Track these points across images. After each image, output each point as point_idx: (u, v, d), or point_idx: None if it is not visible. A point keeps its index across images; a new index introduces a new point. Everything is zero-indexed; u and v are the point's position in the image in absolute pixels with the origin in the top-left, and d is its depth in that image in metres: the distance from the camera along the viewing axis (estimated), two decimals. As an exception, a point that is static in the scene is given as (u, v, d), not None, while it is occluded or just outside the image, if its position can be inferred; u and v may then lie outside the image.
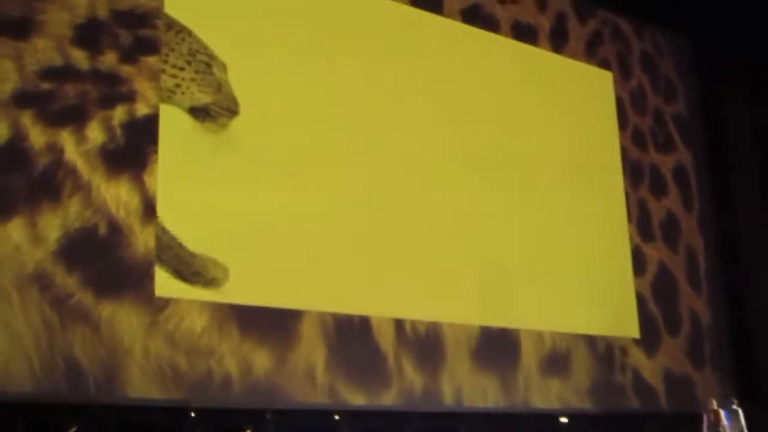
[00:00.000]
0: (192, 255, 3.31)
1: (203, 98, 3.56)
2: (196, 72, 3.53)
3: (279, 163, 3.79)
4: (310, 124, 3.74)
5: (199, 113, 3.51)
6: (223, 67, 3.68)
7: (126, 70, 2.96)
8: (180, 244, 3.30)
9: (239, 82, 3.58)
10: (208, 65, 3.58)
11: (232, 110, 3.69)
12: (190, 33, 3.44)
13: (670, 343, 4.33)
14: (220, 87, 3.69)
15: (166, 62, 3.26)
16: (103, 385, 2.70)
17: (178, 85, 3.39)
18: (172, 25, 3.33)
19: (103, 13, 2.97)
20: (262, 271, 3.18)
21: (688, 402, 4.35)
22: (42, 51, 2.81)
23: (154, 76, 3.04)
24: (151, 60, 3.05)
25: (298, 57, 3.54)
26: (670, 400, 4.27)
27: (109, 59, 2.93)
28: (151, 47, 3.06)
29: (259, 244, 3.25)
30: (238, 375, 3.00)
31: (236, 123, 3.57)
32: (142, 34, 3.04)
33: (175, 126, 3.14)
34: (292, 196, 3.77)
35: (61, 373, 2.64)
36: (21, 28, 2.79)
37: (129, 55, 2.97)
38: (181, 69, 3.44)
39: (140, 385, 2.78)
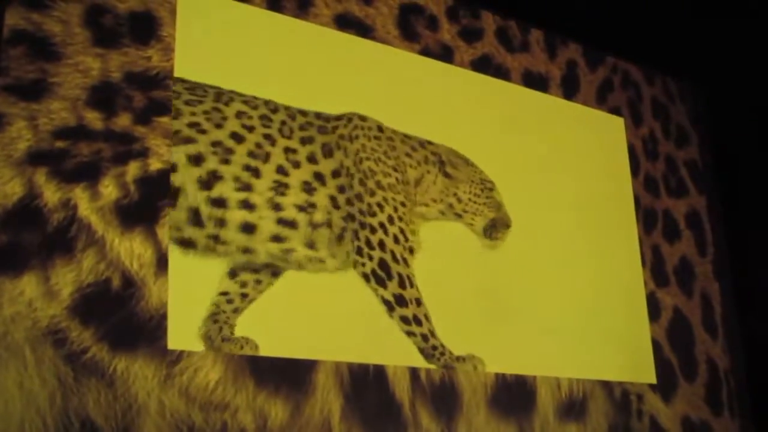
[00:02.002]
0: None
1: (491, 215, 3.82)
2: (487, 198, 3.80)
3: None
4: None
5: (487, 231, 3.80)
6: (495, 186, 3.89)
7: (139, 130, 2.98)
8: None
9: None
10: (491, 189, 3.84)
11: (509, 224, 3.87)
12: (473, 164, 3.81)
13: (686, 389, 4.30)
14: (500, 206, 3.85)
15: (464, 191, 3.72)
16: (118, 443, 2.69)
17: (476, 212, 3.76)
18: (470, 162, 3.79)
19: (116, 75, 3.00)
20: (276, 322, 3.19)
21: (707, 448, 4.33)
22: (56, 112, 2.84)
23: (167, 133, 3.05)
24: (164, 120, 3.07)
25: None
26: (688, 446, 4.25)
27: (122, 120, 2.96)
28: (163, 108, 3.08)
29: (272, 294, 3.26)
30: (254, 428, 2.99)
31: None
32: (155, 96, 3.07)
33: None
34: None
35: (75, 430, 2.64)
36: (35, 90, 2.83)
37: (142, 117, 3.00)
38: (477, 196, 3.77)
39: (155, 441, 2.78)
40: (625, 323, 4.21)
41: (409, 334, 3.42)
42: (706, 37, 4.60)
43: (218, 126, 3.16)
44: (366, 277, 3.36)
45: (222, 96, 3.21)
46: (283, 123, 3.30)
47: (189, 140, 3.09)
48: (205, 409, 2.89)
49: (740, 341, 4.63)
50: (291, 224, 3.20)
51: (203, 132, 3.13)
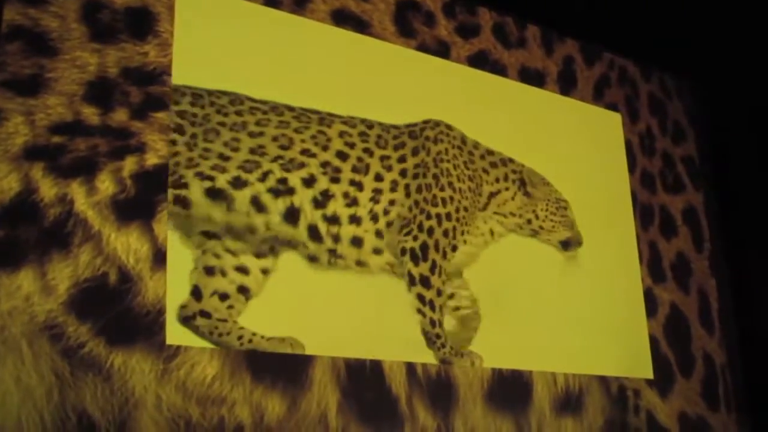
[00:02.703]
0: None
1: (566, 234, 4.02)
2: (562, 216, 4.00)
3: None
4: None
5: (563, 245, 4.03)
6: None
7: (136, 125, 2.99)
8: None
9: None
10: (566, 208, 4.04)
11: (581, 242, 4.07)
12: (549, 183, 4.02)
13: (683, 385, 4.31)
14: (573, 224, 4.06)
15: (541, 209, 3.95)
16: (115, 437, 2.70)
17: (552, 229, 3.99)
18: (547, 181, 4.00)
19: (113, 70, 3.01)
20: (273, 316, 3.19)
21: (704, 443, 4.33)
22: (53, 107, 2.85)
23: (163, 128, 3.06)
24: (160, 115, 3.07)
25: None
26: (685, 441, 4.25)
27: (119, 115, 2.96)
28: (160, 104, 3.09)
29: (270, 289, 3.26)
30: (251, 422, 3.00)
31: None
32: (152, 92, 3.07)
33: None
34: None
35: (72, 426, 2.64)
36: (32, 85, 2.83)
37: (139, 112, 3.01)
38: (553, 214, 3.98)
39: (152, 436, 2.79)
40: (622, 319, 4.22)
41: (420, 312, 3.46)
42: (703, 33, 4.60)
43: (325, 148, 3.36)
44: (403, 251, 3.45)
45: (324, 120, 3.41)
46: (379, 136, 3.53)
47: (302, 165, 3.29)
48: (202, 404, 2.90)
49: (737, 337, 4.63)
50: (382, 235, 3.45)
51: (313, 156, 3.32)
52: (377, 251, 3.42)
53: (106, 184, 2.89)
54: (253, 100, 3.31)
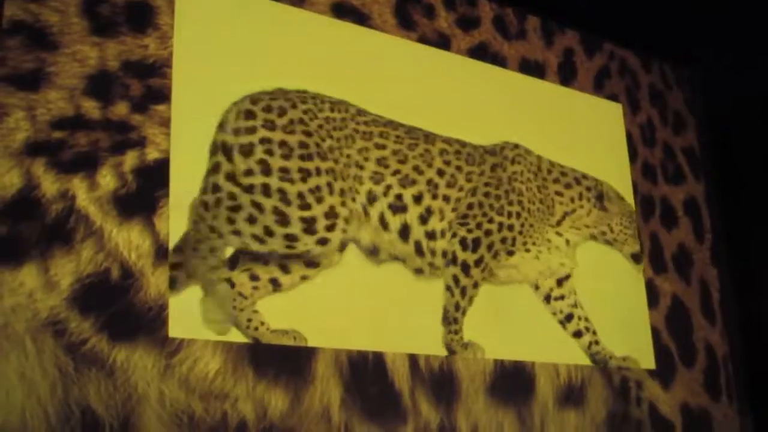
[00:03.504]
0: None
1: (636, 247, 4.26)
2: (629, 229, 4.20)
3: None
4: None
5: (634, 258, 4.23)
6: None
7: (137, 118, 2.98)
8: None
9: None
10: (632, 221, 4.26)
11: (641, 258, 4.27)
12: (623, 198, 4.25)
13: (685, 375, 4.30)
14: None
15: (616, 223, 4.16)
16: None
17: (624, 242, 4.21)
18: (621, 196, 4.23)
19: (113, 64, 3.00)
20: (274, 310, 3.20)
21: (705, 433, 4.33)
22: (53, 101, 2.84)
23: (164, 122, 3.05)
24: (161, 108, 3.06)
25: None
26: (686, 431, 4.25)
27: (120, 109, 2.96)
28: (160, 97, 3.08)
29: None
30: (254, 417, 3.00)
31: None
32: (153, 85, 3.06)
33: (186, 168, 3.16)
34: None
35: (76, 421, 2.64)
36: (32, 80, 2.82)
37: (139, 105, 3.00)
38: (627, 228, 4.19)
39: (156, 430, 2.78)
40: (624, 310, 4.21)
41: (449, 290, 3.55)
42: (703, 23, 4.60)
43: (429, 165, 3.57)
44: (454, 235, 3.59)
45: (428, 137, 3.62)
46: (469, 154, 3.74)
47: (413, 182, 3.50)
48: (205, 399, 2.89)
49: (738, 327, 4.63)
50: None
51: (421, 173, 3.54)
52: (447, 257, 3.59)
53: (107, 179, 2.88)
54: (369, 113, 3.49)
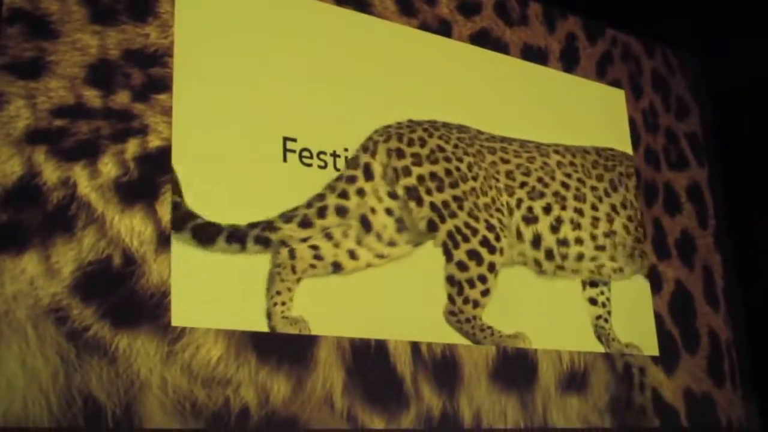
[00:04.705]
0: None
1: None
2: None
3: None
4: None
5: None
6: None
7: (138, 107, 2.98)
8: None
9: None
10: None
11: None
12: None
13: (688, 361, 4.29)
14: None
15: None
16: (122, 420, 2.70)
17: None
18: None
19: (114, 53, 3.00)
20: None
21: (709, 420, 4.31)
22: (54, 90, 2.84)
23: (165, 110, 3.05)
24: (162, 97, 3.07)
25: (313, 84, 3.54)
26: (690, 418, 4.24)
27: (121, 98, 2.96)
28: (161, 86, 3.08)
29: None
30: (256, 403, 3.00)
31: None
32: (154, 73, 3.07)
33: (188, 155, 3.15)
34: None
35: (78, 408, 2.64)
36: (33, 68, 2.83)
37: (140, 94, 3.00)
38: None
39: (158, 418, 2.78)
40: (627, 296, 4.20)
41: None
42: (706, 9, 4.57)
43: (552, 178, 3.93)
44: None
45: (540, 148, 3.96)
46: (582, 165, 4.08)
47: (541, 194, 3.86)
48: (208, 385, 2.90)
49: (742, 313, 4.62)
50: (602, 248, 4.02)
51: (546, 185, 3.90)
52: (593, 259, 3.99)
53: (108, 167, 2.88)
54: (484, 132, 3.79)
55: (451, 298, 3.51)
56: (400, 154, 3.50)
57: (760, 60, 4.62)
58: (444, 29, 3.88)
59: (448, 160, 3.59)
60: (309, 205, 3.28)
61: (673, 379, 4.19)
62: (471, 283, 3.53)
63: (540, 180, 3.88)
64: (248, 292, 3.12)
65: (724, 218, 4.72)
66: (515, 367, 3.66)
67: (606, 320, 3.98)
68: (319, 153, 3.38)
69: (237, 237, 3.10)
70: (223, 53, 3.25)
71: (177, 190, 3.02)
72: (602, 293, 3.99)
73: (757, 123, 4.76)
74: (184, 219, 3.02)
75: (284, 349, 3.09)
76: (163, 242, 2.92)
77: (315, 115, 3.41)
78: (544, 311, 3.80)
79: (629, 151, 4.42)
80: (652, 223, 4.37)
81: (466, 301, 3.51)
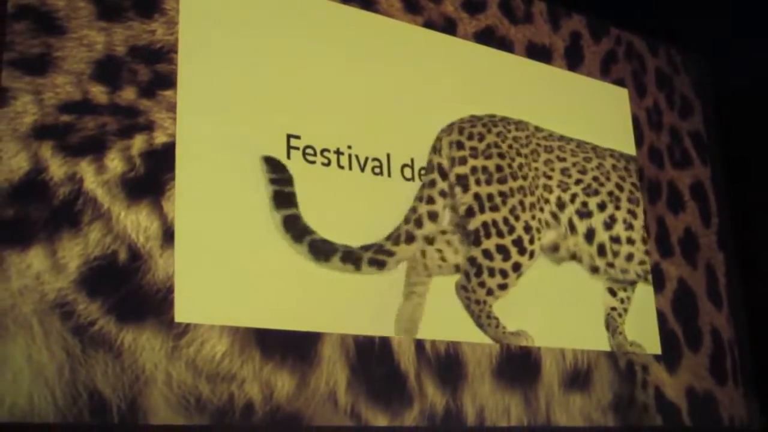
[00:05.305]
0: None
1: None
2: None
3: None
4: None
5: None
6: None
7: (144, 103, 2.99)
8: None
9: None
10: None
11: None
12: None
13: (691, 360, 4.29)
14: None
15: None
16: (127, 414, 2.71)
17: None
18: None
19: (120, 49, 3.01)
20: (281, 295, 3.22)
21: (712, 418, 4.32)
22: (61, 86, 2.85)
23: (171, 106, 3.06)
24: (168, 93, 3.07)
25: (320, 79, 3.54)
26: (693, 416, 4.24)
27: (127, 94, 2.97)
28: (167, 82, 3.09)
29: (278, 269, 3.28)
30: (260, 399, 3.01)
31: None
32: (160, 70, 3.07)
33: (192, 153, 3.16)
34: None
35: (83, 403, 2.65)
36: (39, 64, 2.84)
37: (147, 90, 3.01)
38: None
39: (163, 413, 2.79)
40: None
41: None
42: (710, 8, 4.58)
43: (607, 179, 4.14)
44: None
45: (596, 149, 4.15)
46: (634, 170, 4.29)
47: (596, 192, 4.04)
48: (212, 381, 2.91)
49: (745, 311, 4.62)
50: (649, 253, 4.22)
51: (602, 185, 4.10)
52: (641, 263, 4.17)
53: (115, 163, 2.89)
54: (543, 129, 3.98)
55: (466, 275, 3.56)
56: (460, 145, 3.66)
57: (764, 59, 4.63)
58: (449, 27, 3.88)
59: (501, 156, 3.73)
60: (407, 220, 3.47)
61: (676, 377, 4.19)
62: (491, 272, 3.60)
63: (596, 179, 4.05)
64: (254, 288, 3.11)
65: (727, 217, 4.72)
66: (519, 365, 3.66)
67: (620, 315, 4.05)
68: (323, 150, 3.38)
69: (352, 258, 3.30)
70: (227, 50, 3.25)
71: (294, 203, 3.18)
72: (625, 290, 4.09)
73: (761, 122, 4.77)
74: (302, 232, 3.19)
75: (288, 345, 3.09)
76: (168, 238, 2.93)
77: (319, 112, 3.41)
78: (550, 306, 3.84)
79: (632, 149, 4.42)
80: (655, 221, 4.37)
81: (481, 285, 3.57)
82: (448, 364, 3.47)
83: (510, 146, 3.77)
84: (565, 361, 3.82)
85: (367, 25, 3.67)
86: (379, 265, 3.35)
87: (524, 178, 3.77)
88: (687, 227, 4.52)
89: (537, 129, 3.92)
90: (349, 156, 3.44)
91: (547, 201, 3.84)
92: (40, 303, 2.64)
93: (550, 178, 3.87)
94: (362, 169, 3.47)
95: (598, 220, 4.01)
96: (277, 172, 3.21)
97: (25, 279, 2.64)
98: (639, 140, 4.44)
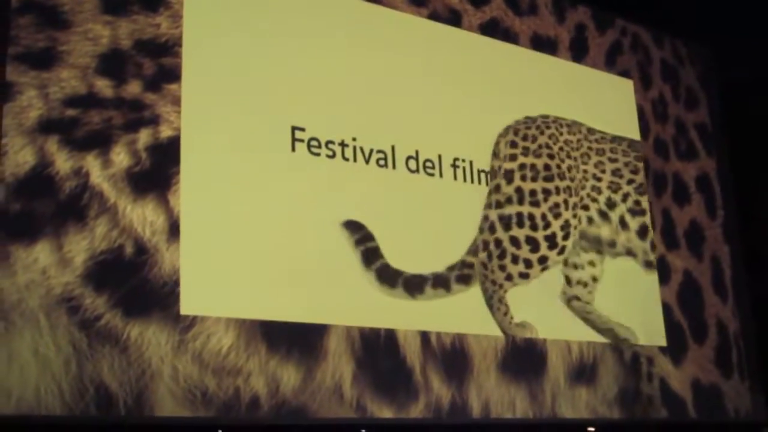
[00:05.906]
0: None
1: None
2: None
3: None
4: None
5: None
6: None
7: (150, 97, 2.99)
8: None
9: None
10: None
11: None
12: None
13: (696, 352, 4.29)
14: None
15: None
16: (133, 408, 2.71)
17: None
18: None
19: (125, 42, 3.01)
20: (287, 287, 3.22)
21: (717, 411, 4.31)
22: (66, 80, 2.85)
23: (177, 100, 3.05)
24: (174, 87, 3.07)
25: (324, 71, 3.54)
26: (698, 408, 4.24)
27: (133, 88, 2.97)
28: (172, 76, 3.08)
29: (284, 260, 3.28)
30: (266, 392, 3.01)
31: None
32: (165, 63, 3.07)
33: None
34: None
35: (90, 397, 2.65)
36: (45, 58, 2.83)
37: (152, 84, 3.01)
38: None
39: (169, 406, 2.80)
40: (635, 286, 4.20)
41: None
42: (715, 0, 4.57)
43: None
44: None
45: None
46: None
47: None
48: (218, 374, 2.91)
49: (750, 304, 4.62)
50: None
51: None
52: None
53: (121, 157, 2.89)
54: (596, 131, 4.13)
55: (489, 255, 3.64)
56: (513, 144, 3.80)
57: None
58: (454, 19, 3.88)
59: (551, 157, 3.86)
60: (480, 230, 3.62)
61: (681, 369, 4.19)
62: (515, 260, 3.68)
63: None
64: (259, 281, 3.11)
65: (733, 209, 4.71)
66: (524, 358, 3.66)
67: None
68: (328, 142, 3.38)
69: (441, 282, 3.45)
70: (231, 43, 3.25)
71: (380, 255, 3.32)
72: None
73: (766, 114, 4.75)
74: (393, 277, 3.33)
75: (294, 338, 3.09)
76: (174, 231, 2.93)
77: (323, 104, 3.41)
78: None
79: (638, 140, 4.41)
80: (661, 213, 4.37)
81: (502, 268, 3.65)
82: (453, 356, 3.47)
83: (561, 148, 3.90)
84: (571, 354, 3.82)
85: (371, 17, 3.67)
86: (465, 281, 3.53)
87: (572, 179, 3.89)
88: (692, 219, 4.52)
89: (590, 131, 4.07)
90: (354, 148, 3.44)
91: (595, 200, 3.98)
92: (46, 297, 2.64)
93: (599, 180, 4.01)
94: (367, 161, 3.46)
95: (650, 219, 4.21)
96: (358, 232, 3.31)
97: (31, 273, 2.64)
98: (644, 132, 4.43)
